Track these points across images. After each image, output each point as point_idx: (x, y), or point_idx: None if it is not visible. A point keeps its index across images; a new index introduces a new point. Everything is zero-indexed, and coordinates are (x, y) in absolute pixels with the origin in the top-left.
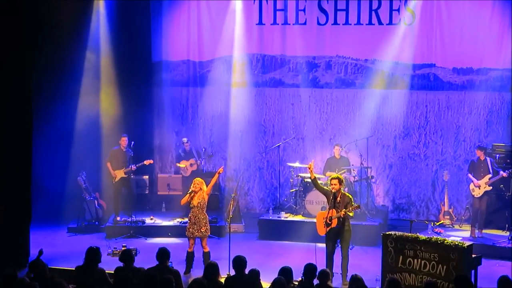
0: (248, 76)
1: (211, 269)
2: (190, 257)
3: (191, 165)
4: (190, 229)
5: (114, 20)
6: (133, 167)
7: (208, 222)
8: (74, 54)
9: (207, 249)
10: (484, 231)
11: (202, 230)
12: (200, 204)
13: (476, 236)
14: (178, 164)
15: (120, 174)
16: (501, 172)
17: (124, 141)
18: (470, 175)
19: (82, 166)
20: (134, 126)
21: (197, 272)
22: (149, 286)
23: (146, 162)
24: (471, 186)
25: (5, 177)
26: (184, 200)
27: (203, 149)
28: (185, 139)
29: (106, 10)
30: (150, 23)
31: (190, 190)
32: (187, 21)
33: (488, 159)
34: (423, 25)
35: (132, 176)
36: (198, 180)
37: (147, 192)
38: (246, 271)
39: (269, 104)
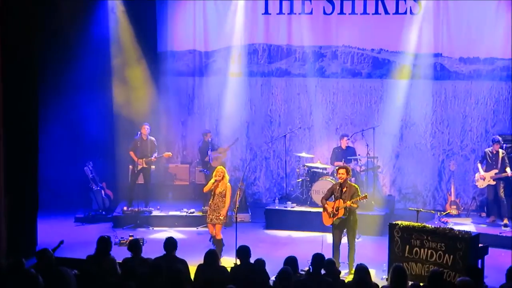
0: (254, 66)
1: (210, 256)
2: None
3: (220, 153)
4: (210, 216)
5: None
6: (154, 158)
7: (234, 208)
8: (82, 46)
9: (219, 237)
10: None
11: (221, 218)
12: (221, 193)
13: (509, 225)
14: (213, 153)
15: (141, 163)
16: (507, 170)
17: (145, 129)
18: (479, 165)
19: (89, 156)
20: (143, 116)
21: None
22: (156, 276)
23: (165, 155)
24: (477, 176)
25: (12, 167)
26: (207, 188)
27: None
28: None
29: (112, 2)
30: (156, 12)
31: (213, 179)
32: (193, 11)
33: (500, 151)
34: (429, 15)
35: (153, 167)
36: (220, 168)
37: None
38: (252, 261)
39: (275, 94)
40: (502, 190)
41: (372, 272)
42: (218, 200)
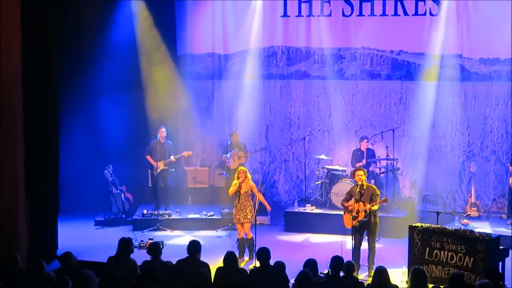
0: (273, 69)
1: (229, 258)
2: (241, 243)
3: (239, 157)
4: (237, 216)
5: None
6: (173, 159)
7: (253, 209)
8: (101, 50)
9: (250, 235)
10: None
11: (248, 217)
12: (246, 193)
13: None
14: (224, 156)
15: (160, 166)
16: None
17: (162, 132)
18: (510, 168)
19: (109, 159)
20: (162, 119)
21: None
22: (176, 279)
23: (185, 154)
24: (510, 179)
25: (33, 171)
26: (232, 191)
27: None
28: (235, 133)
29: (132, 5)
30: (175, 16)
31: (236, 181)
32: (212, 14)
33: None
34: (449, 16)
35: (173, 170)
36: (242, 169)
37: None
38: (272, 263)
39: (294, 96)
40: None
41: (392, 274)
42: (244, 200)
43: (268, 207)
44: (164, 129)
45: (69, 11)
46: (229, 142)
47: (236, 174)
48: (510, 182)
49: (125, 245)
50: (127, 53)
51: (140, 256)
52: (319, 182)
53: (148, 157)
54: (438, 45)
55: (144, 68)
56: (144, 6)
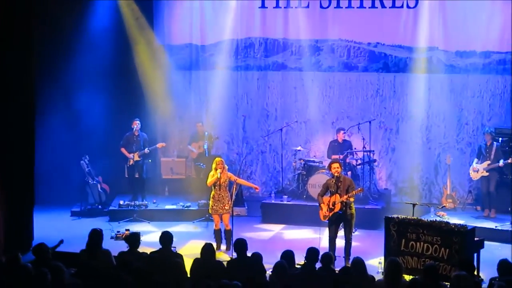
0: (250, 60)
1: (207, 250)
2: (217, 234)
3: (199, 147)
4: (214, 207)
5: (115, 6)
6: (147, 150)
7: (230, 200)
8: (80, 38)
9: (229, 227)
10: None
11: (226, 207)
12: (224, 183)
13: (490, 216)
14: (189, 146)
15: (135, 157)
16: (501, 161)
17: (136, 124)
18: (475, 160)
19: (85, 150)
20: (139, 110)
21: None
22: (152, 270)
23: (159, 145)
24: (470, 168)
25: (9, 161)
26: (211, 182)
27: (206, 133)
28: (199, 123)
29: None
30: (153, 6)
31: (213, 172)
32: (190, 4)
33: (494, 144)
34: (426, 8)
35: (149, 161)
36: (219, 159)
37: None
38: (249, 254)
39: (271, 87)
40: (494, 182)
41: (368, 265)
42: (222, 190)
43: (256, 187)
44: (138, 121)
45: (47, 3)
46: (192, 133)
47: (213, 164)
48: (470, 171)
49: (96, 235)
50: (105, 44)
51: (115, 247)
52: (296, 173)
53: (123, 149)
54: (415, 37)
55: (122, 59)
56: None
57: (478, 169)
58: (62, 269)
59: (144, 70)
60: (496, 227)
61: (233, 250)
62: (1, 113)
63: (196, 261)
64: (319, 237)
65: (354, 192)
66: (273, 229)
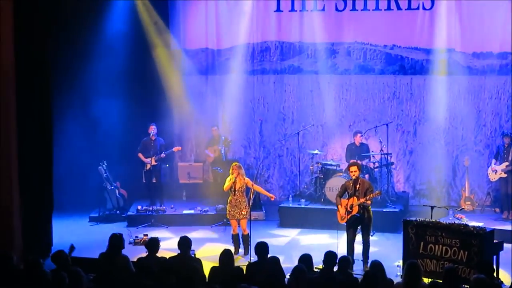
0: (266, 64)
1: (225, 256)
2: (235, 239)
3: (215, 151)
4: (231, 212)
5: (132, 10)
6: (163, 155)
7: (248, 205)
8: (97, 45)
9: (246, 232)
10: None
11: (243, 213)
12: (241, 188)
13: (508, 218)
14: (206, 151)
15: (152, 162)
16: None
17: (152, 128)
18: (493, 160)
19: (103, 155)
20: (156, 115)
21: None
22: (169, 275)
23: (175, 149)
24: (489, 169)
25: (27, 167)
26: (227, 187)
27: (222, 137)
28: (214, 127)
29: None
30: (168, 11)
31: (231, 177)
32: (205, 9)
33: None
34: (442, 10)
35: (167, 165)
36: (235, 164)
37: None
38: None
39: (288, 91)
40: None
41: (387, 268)
42: (238, 195)
43: (272, 196)
44: (154, 126)
45: (64, 6)
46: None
47: (230, 169)
48: (488, 172)
49: (116, 240)
50: (122, 49)
51: (133, 252)
52: (314, 177)
53: (140, 155)
54: (431, 39)
55: (139, 63)
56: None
57: (497, 170)
58: (81, 275)
59: (161, 74)
60: None
61: (254, 253)
62: (19, 119)
63: (213, 268)
64: (337, 232)
65: (372, 195)
66: (291, 233)
